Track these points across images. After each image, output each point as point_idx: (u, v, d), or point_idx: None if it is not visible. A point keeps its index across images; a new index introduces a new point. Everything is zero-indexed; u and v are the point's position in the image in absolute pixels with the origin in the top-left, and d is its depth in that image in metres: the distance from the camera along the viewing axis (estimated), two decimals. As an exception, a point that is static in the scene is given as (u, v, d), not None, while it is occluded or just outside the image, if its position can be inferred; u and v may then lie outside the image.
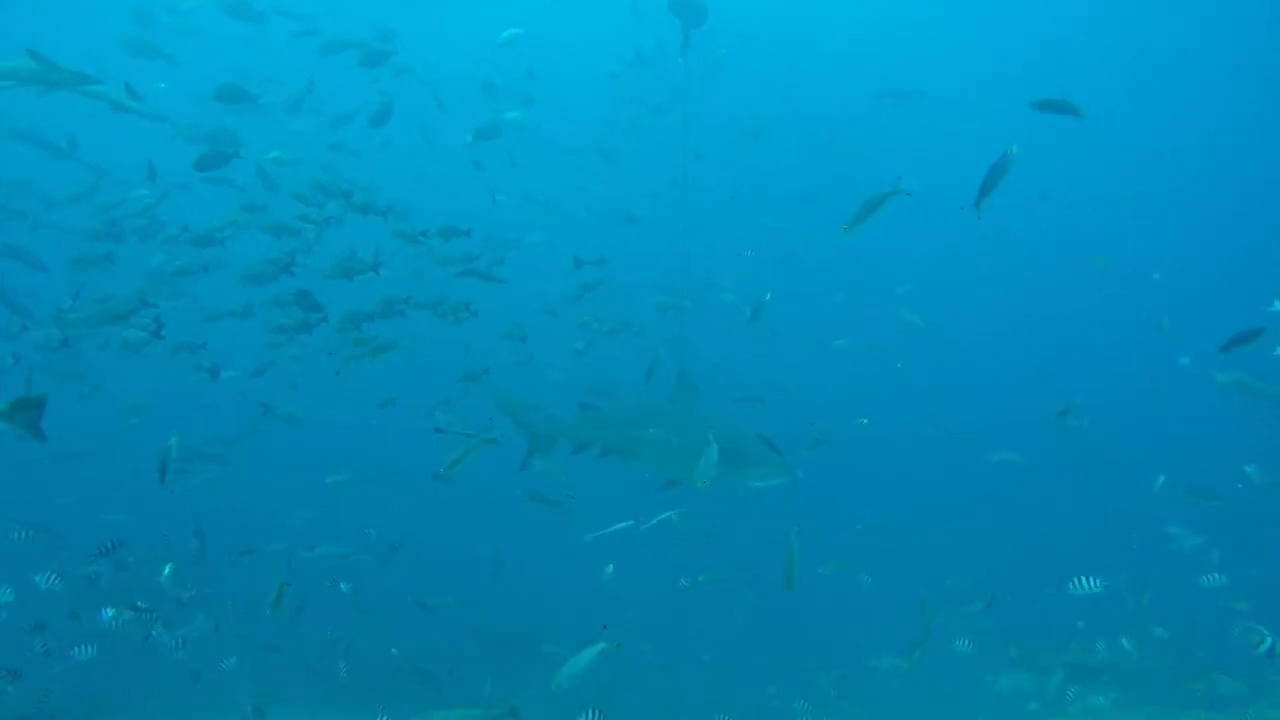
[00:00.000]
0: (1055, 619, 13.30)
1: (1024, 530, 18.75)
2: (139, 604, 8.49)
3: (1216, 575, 12.83)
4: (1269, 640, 8.14)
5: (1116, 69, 27.72)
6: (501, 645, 13.83)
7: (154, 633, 8.89)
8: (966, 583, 13.75)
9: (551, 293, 14.08)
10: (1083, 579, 8.00)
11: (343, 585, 10.18)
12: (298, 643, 11.77)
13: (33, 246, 13.52)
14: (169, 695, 11.27)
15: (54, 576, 8.36)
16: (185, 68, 15.13)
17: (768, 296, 8.56)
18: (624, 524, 9.52)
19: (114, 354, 9.06)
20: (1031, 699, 11.88)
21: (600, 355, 12.85)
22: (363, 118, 14.16)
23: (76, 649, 8.39)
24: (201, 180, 10.78)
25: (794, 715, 10.44)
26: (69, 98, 11.05)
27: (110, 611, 8.39)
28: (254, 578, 11.23)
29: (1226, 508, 12.25)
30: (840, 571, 10.35)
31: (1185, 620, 12.98)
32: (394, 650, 10.46)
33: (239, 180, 11.62)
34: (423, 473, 10.93)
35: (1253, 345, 7.51)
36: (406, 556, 12.76)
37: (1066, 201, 27.17)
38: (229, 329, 10.90)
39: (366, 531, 11.81)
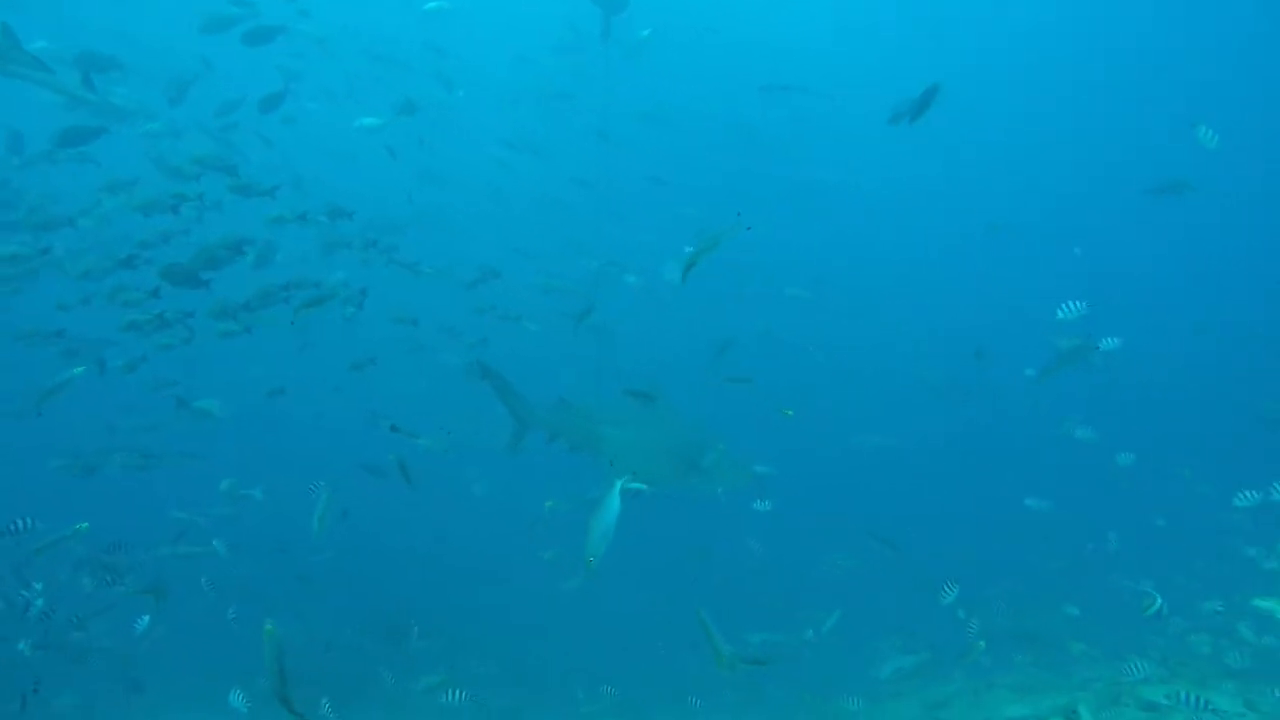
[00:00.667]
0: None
1: (916, 514, 19.32)
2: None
3: (1113, 536, 13.54)
4: (1159, 601, 8.52)
5: (1051, 63, 28.28)
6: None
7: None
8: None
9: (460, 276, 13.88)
10: (948, 585, 8.41)
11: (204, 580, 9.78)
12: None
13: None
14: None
15: None
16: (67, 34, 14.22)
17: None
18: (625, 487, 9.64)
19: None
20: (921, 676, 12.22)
21: (499, 340, 12.79)
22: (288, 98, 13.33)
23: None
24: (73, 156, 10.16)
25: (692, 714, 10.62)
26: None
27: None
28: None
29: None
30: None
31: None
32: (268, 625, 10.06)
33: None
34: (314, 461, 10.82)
35: (1073, 365, 8.19)
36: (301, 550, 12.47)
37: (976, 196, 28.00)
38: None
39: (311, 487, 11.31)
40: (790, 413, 9.99)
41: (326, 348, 13.10)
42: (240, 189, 9.45)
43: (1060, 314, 7.84)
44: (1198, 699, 7.67)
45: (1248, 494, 8.83)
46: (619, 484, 5.48)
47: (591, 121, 18.28)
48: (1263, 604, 7.33)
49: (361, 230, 10.20)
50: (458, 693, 6.99)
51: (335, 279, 10.36)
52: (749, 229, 5.91)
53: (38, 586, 8.26)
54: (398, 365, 12.08)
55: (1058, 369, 8.29)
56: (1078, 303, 7.80)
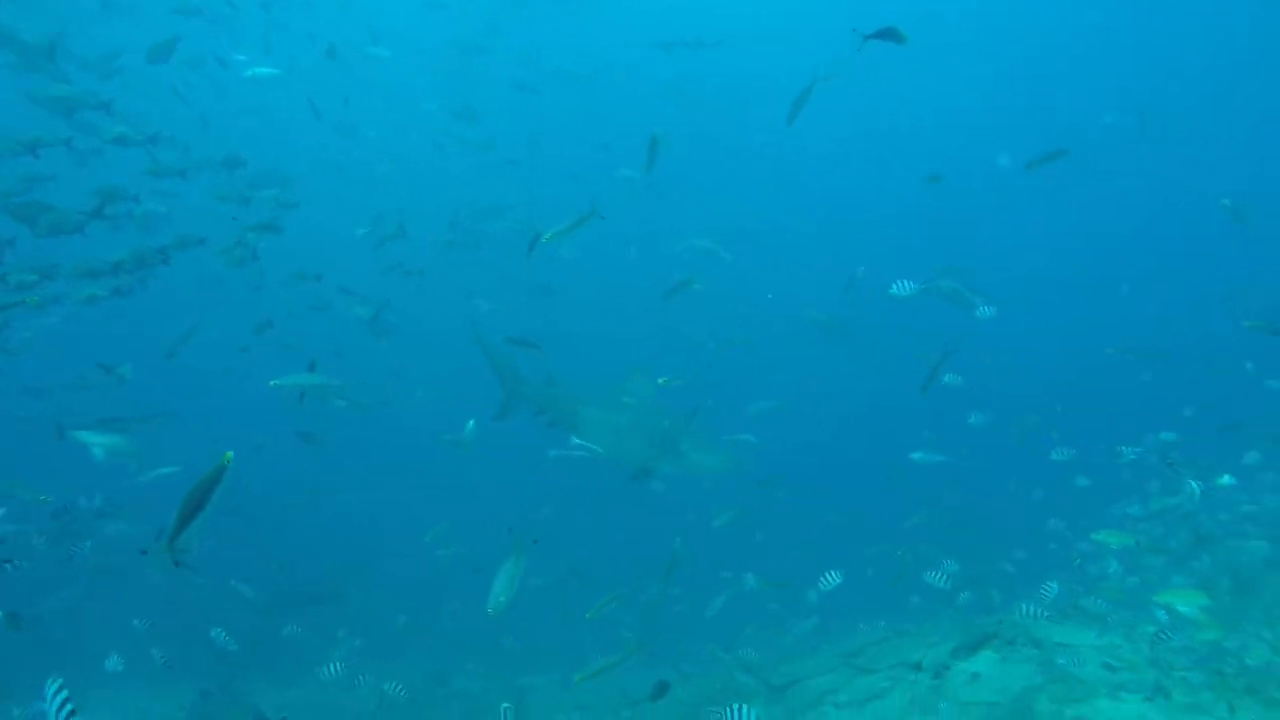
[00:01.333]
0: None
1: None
2: None
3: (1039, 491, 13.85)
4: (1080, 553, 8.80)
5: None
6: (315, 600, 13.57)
7: None
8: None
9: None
10: (830, 573, 8.57)
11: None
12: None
13: None
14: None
15: None
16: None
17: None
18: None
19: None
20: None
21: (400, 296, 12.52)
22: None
23: None
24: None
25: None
26: None
27: None
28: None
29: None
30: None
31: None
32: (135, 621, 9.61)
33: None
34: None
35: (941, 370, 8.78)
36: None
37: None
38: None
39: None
40: (665, 381, 9.90)
41: (233, 307, 12.62)
42: (117, 139, 8.92)
43: (894, 290, 7.96)
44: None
45: (1128, 450, 9.45)
46: (523, 549, 5.77)
47: (512, 75, 17.72)
48: (1098, 536, 7.75)
49: (248, 184, 9.65)
50: (335, 666, 6.79)
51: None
52: (603, 218, 6.53)
53: None
54: (302, 321, 11.70)
55: (938, 370, 8.45)
56: (909, 281, 7.97)
